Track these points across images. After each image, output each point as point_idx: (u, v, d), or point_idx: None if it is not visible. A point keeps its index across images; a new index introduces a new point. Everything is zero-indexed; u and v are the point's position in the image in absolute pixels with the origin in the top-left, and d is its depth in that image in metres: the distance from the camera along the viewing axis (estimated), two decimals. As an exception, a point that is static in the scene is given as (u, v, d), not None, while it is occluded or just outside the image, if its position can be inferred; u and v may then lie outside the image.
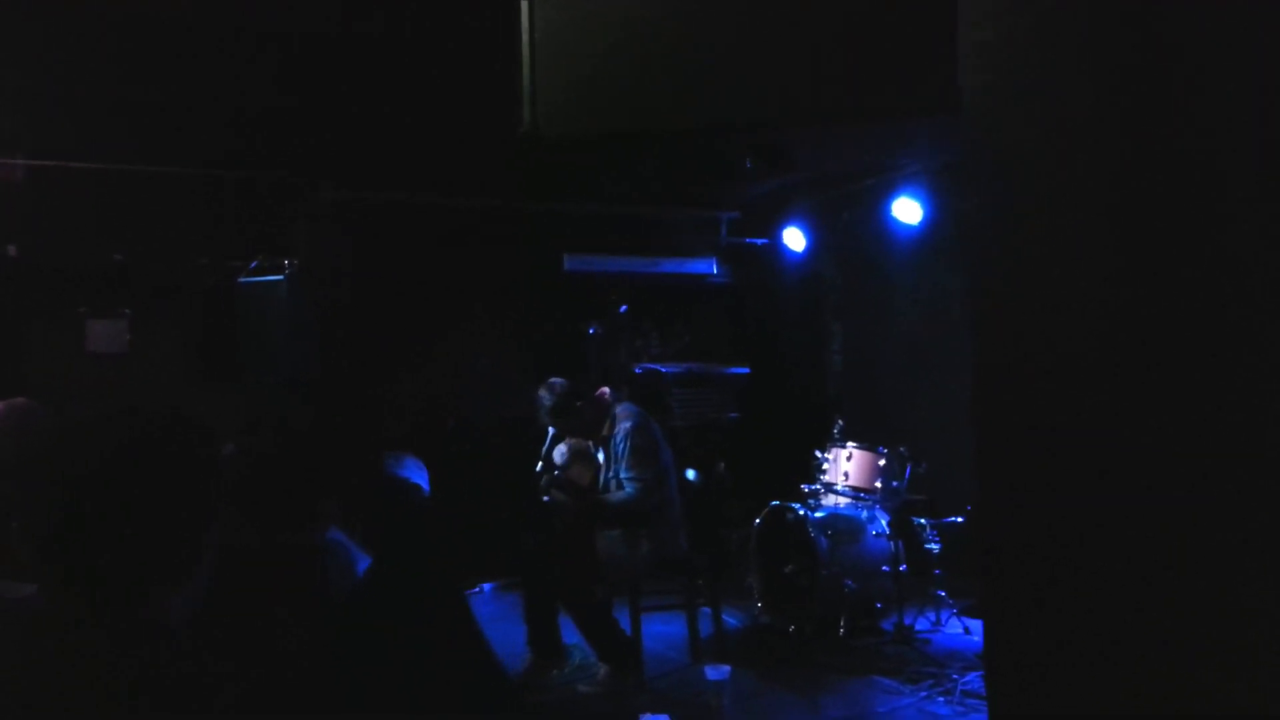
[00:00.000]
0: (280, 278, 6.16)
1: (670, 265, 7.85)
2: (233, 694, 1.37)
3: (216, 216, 6.55)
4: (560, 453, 5.16)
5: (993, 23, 1.53)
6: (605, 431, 5.06)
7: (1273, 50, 1.28)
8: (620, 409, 5.10)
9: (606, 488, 5.02)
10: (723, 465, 5.84)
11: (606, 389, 5.28)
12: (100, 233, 6.38)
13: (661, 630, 5.33)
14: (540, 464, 5.18)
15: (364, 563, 2.78)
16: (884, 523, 5.59)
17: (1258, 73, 1.30)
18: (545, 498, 5.10)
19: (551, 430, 5.17)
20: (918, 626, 5.41)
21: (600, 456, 5.11)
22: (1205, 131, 1.34)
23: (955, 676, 4.68)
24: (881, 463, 5.62)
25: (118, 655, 1.33)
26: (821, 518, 5.53)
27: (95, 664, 1.32)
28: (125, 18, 4.26)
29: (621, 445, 4.94)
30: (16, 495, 1.47)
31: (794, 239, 7.63)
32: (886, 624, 5.43)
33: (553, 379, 5.12)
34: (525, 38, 2.02)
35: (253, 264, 6.30)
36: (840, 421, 6.03)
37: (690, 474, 5.61)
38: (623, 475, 4.93)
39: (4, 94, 5.09)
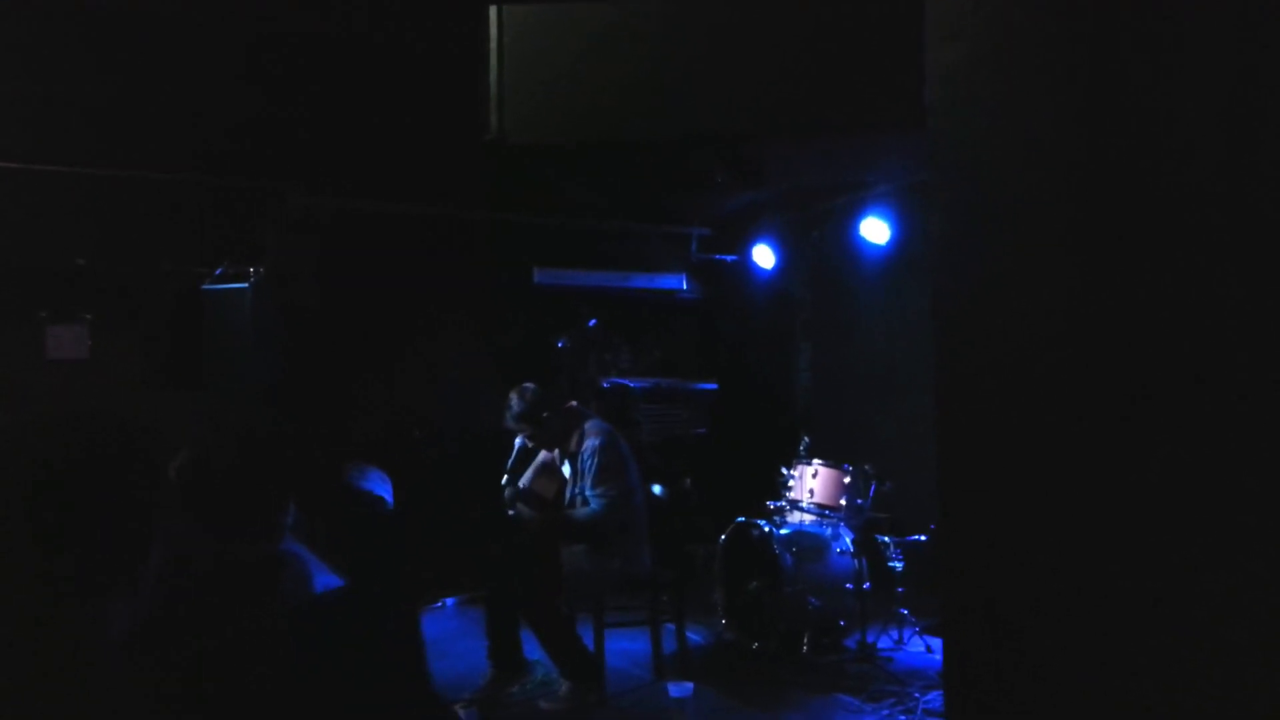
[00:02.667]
0: (245, 285, 6.10)
1: (640, 280, 7.86)
2: (172, 705, 1.34)
3: (181, 221, 6.46)
4: (529, 471, 5.14)
5: (957, 42, 1.54)
6: (573, 447, 5.03)
7: (1231, 66, 1.30)
8: (589, 425, 5.07)
9: (572, 503, 4.99)
10: (689, 481, 5.83)
11: (576, 403, 5.26)
12: (62, 236, 6.28)
13: (625, 646, 5.30)
14: (506, 477, 5.14)
15: (321, 575, 2.74)
16: (848, 540, 5.60)
17: (1217, 87, 1.32)
18: (510, 512, 5.06)
19: (518, 442, 5.13)
20: (880, 644, 5.41)
21: (567, 470, 5.08)
22: (1166, 147, 1.36)
23: (917, 695, 4.68)
24: (847, 480, 5.63)
25: (58, 667, 1.30)
26: (786, 534, 5.53)
27: (35, 677, 1.29)
28: (92, 18, 4.21)
29: (589, 462, 4.91)
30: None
31: (764, 256, 7.67)
32: (850, 641, 5.43)
33: (525, 384, 5.09)
34: (493, 44, 2.01)
35: (218, 270, 6.23)
36: (807, 439, 6.04)
37: (656, 489, 5.60)
38: (589, 492, 4.90)
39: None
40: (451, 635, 5.75)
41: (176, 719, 1.34)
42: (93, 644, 1.33)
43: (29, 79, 4.88)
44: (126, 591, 1.40)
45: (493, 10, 2.07)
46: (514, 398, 5.02)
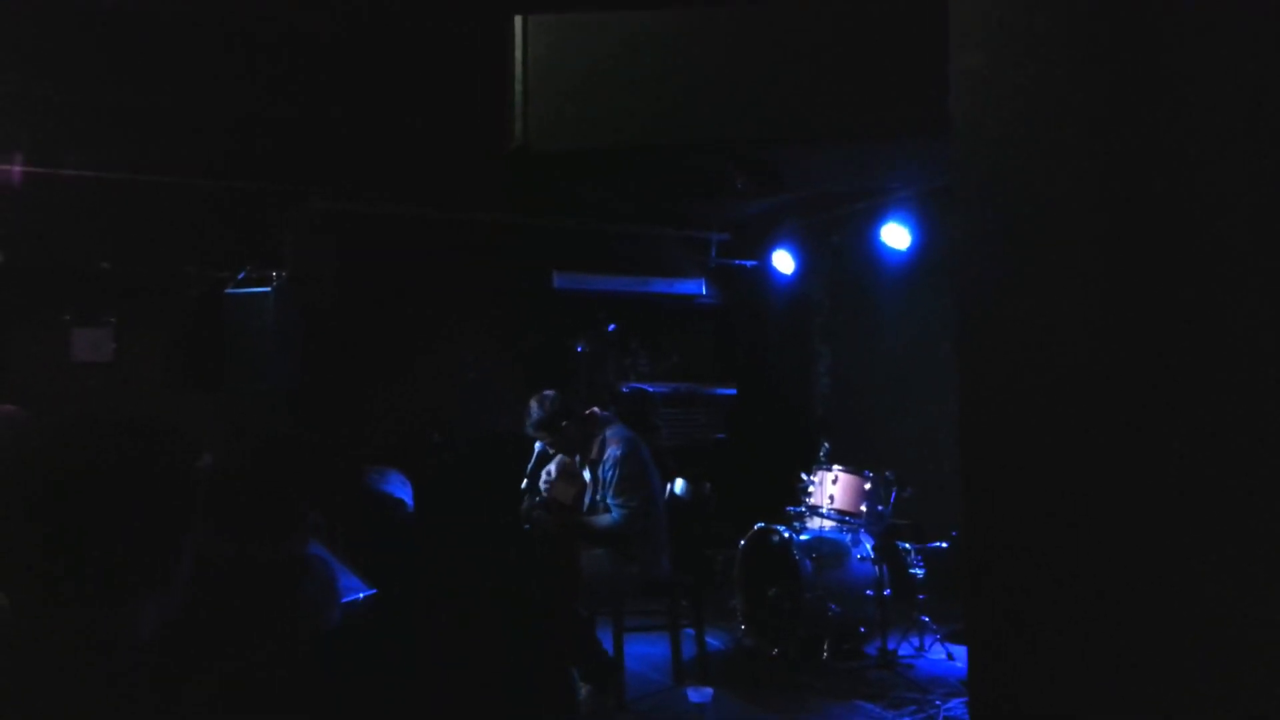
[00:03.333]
0: (268, 289, 6.14)
1: (659, 285, 7.86)
2: (202, 706, 1.35)
3: (205, 225, 6.52)
4: (547, 472, 5.14)
5: (982, 49, 1.53)
6: (594, 454, 5.03)
7: (1255, 72, 1.29)
8: (610, 432, 5.06)
9: (593, 509, 4.99)
10: (708, 486, 5.82)
11: (597, 409, 5.25)
12: (87, 240, 6.35)
13: (644, 651, 5.30)
14: (525, 480, 5.15)
15: (344, 578, 2.75)
16: (869, 547, 5.57)
17: (1240, 93, 1.31)
18: (526, 526, 5.06)
19: (538, 446, 5.14)
20: (901, 652, 5.39)
21: (587, 475, 5.07)
22: (1194, 156, 1.35)
23: (938, 703, 4.66)
24: (867, 486, 5.61)
25: (91, 665, 1.31)
26: (806, 540, 5.51)
27: (68, 675, 1.30)
28: (115, 24, 4.25)
29: (610, 472, 4.90)
30: (-7, 500, 1.45)
31: (783, 261, 7.65)
32: (870, 648, 5.41)
33: (545, 391, 5.09)
34: (518, 54, 2.02)
35: (240, 274, 6.28)
36: (826, 444, 6.02)
37: (680, 485, 5.58)
38: (610, 501, 4.90)
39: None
40: (470, 639, 5.76)
41: (201, 713, 1.35)
42: (122, 644, 1.34)
43: (54, 85, 4.94)
44: (155, 592, 1.41)
45: (518, 20, 2.08)
46: (533, 405, 5.01)
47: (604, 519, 4.90)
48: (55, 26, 4.29)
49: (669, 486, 5.64)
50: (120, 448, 1.41)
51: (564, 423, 5.00)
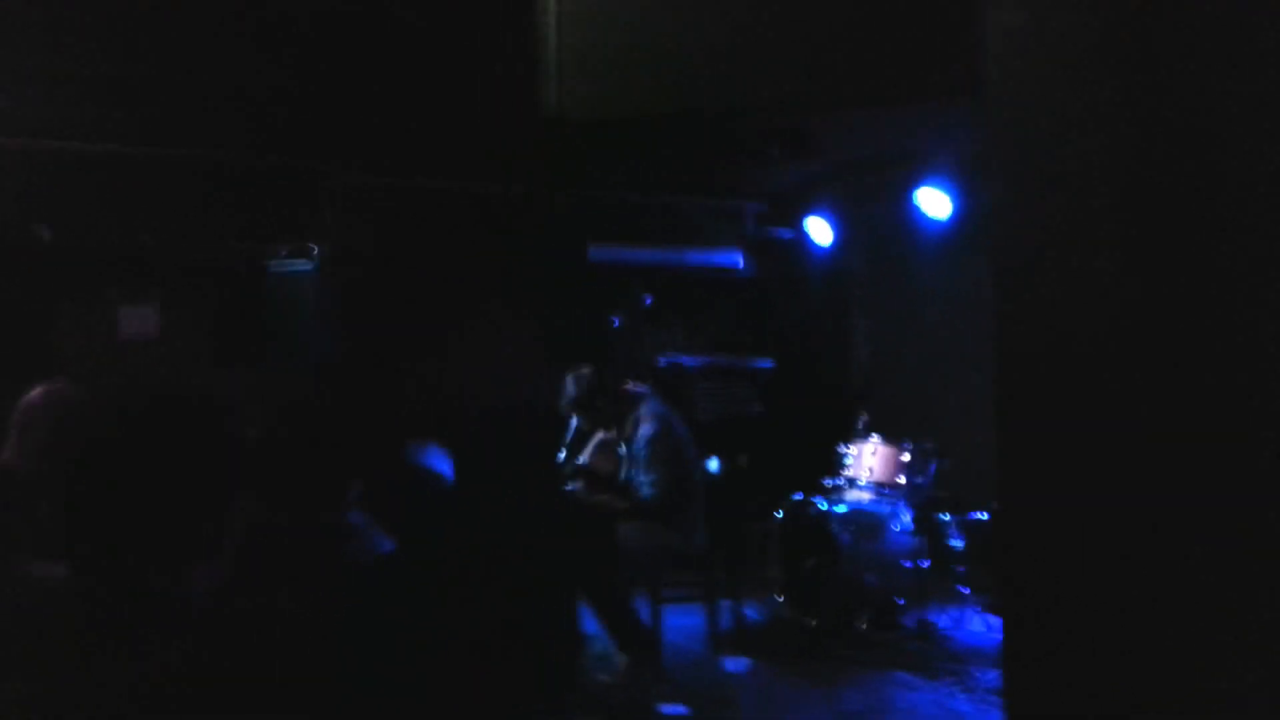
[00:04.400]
0: (308, 265, 6.20)
1: (695, 257, 7.82)
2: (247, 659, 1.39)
3: (246, 202, 6.58)
4: (591, 446, 5.18)
5: (1017, 8, 1.50)
6: (628, 431, 5.05)
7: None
8: (644, 409, 5.08)
9: (628, 485, 5.02)
10: (745, 458, 5.82)
11: (631, 384, 5.26)
12: (131, 218, 6.43)
13: (681, 622, 5.33)
14: (564, 453, 5.19)
15: (386, 546, 2.80)
16: (907, 518, 5.55)
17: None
18: (569, 485, 5.11)
19: (575, 420, 5.17)
20: (940, 623, 5.38)
21: (623, 450, 5.11)
22: (1229, 120, 1.32)
23: (977, 673, 4.65)
24: (905, 458, 5.59)
25: (145, 626, 1.36)
26: (844, 513, 5.51)
27: (124, 635, 1.35)
28: (155, 1, 4.28)
29: (642, 450, 4.94)
30: (45, 475, 1.50)
31: (820, 231, 7.58)
32: (908, 620, 5.40)
33: (581, 368, 5.11)
34: (551, 25, 2.01)
35: (281, 250, 6.34)
36: (865, 416, 5.99)
37: (713, 463, 5.60)
38: (641, 477, 4.93)
39: (35, 77, 5.14)
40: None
41: (249, 672, 1.39)
42: (178, 602, 1.39)
43: (97, 60, 4.99)
44: (208, 555, 1.45)
45: (550, -9, 2.08)
46: (569, 381, 5.04)
47: (635, 497, 4.93)
48: (94, 2, 4.34)
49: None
50: (171, 422, 1.44)
51: (598, 400, 5.02)
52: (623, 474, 5.06)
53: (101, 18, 4.43)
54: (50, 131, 6.04)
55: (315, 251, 6.27)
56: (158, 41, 4.78)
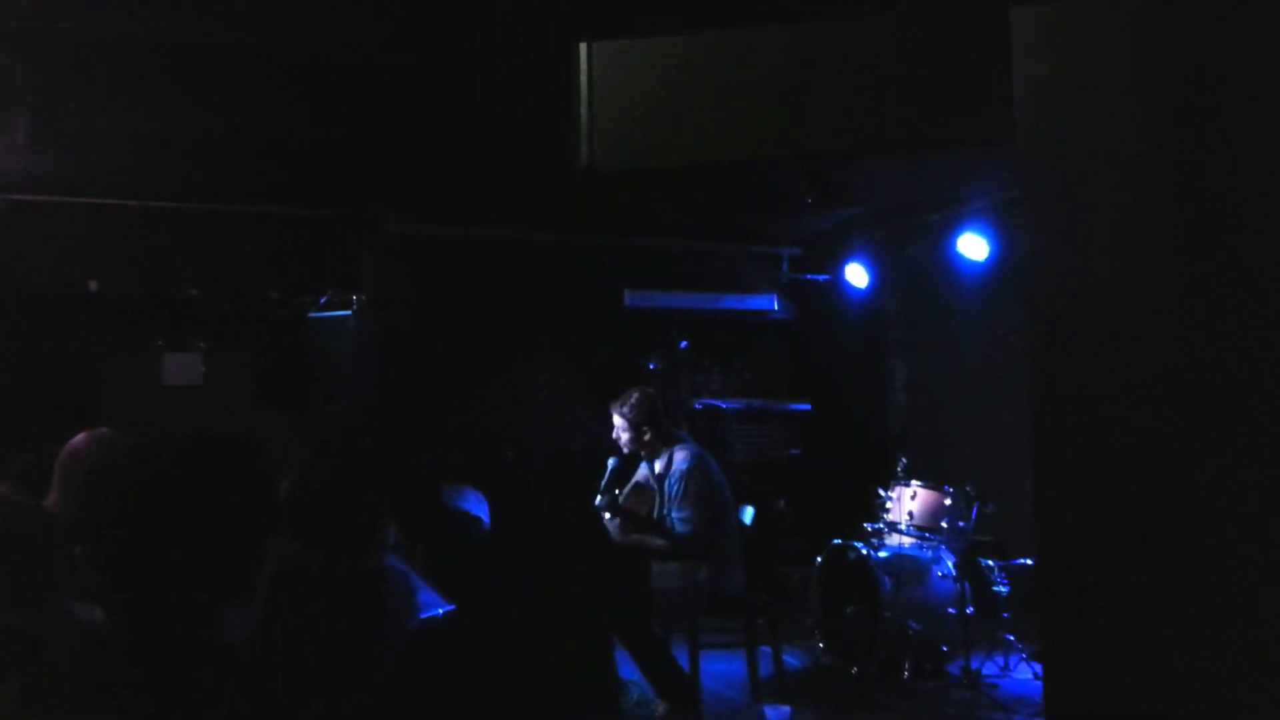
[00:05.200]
0: (348, 313, 6.30)
1: (731, 301, 7.85)
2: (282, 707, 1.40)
3: (287, 252, 6.73)
4: (624, 491, 5.19)
5: (1044, 57, 1.52)
6: (661, 469, 5.05)
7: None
8: (679, 447, 5.08)
9: (661, 524, 5.01)
10: (783, 502, 5.78)
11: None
12: (175, 268, 6.60)
13: (721, 669, 5.27)
14: (600, 497, 5.19)
15: (424, 591, 2.81)
16: (950, 564, 5.47)
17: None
18: (605, 517, 5.10)
19: (611, 463, 5.17)
20: (985, 671, 5.26)
21: (655, 487, 5.11)
22: (1260, 161, 1.31)
23: (1023, 723, 4.54)
24: (947, 502, 5.51)
25: (180, 670, 1.37)
26: (885, 558, 5.43)
27: (159, 680, 1.36)
28: (196, 55, 4.42)
29: (676, 486, 4.92)
30: (80, 518, 1.52)
31: (856, 275, 7.58)
32: (953, 668, 5.30)
33: (649, 388, 5.15)
34: (583, 75, 2.05)
35: (322, 299, 6.46)
36: (904, 459, 5.94)
37: (747, 513, 5.57)
38: (674, 515, 4.91)
39: (82, 136, 5.31)
40: (548, 655, 5.80)
41: (285, 718, 1.39)
42: (209, 651, 1.40)
43: (144, 118, 5.14)
44: (242, 599, 1.47)
45: (583, 46, 2.12)
46: (635, 395, 5.04)
47: (669, 534, 4.91)
48: (143, 63, 4.48)
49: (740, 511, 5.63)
50: (206, 465, 1.47)
51: (646, 428, 5.02)
52: (656, 513, 5.05)
53: (144, 76, 4.58)
54: (97, 188, 6.24)
55: (355, 299, 6.38)
56: (202, 98, 4.92)
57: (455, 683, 2.42)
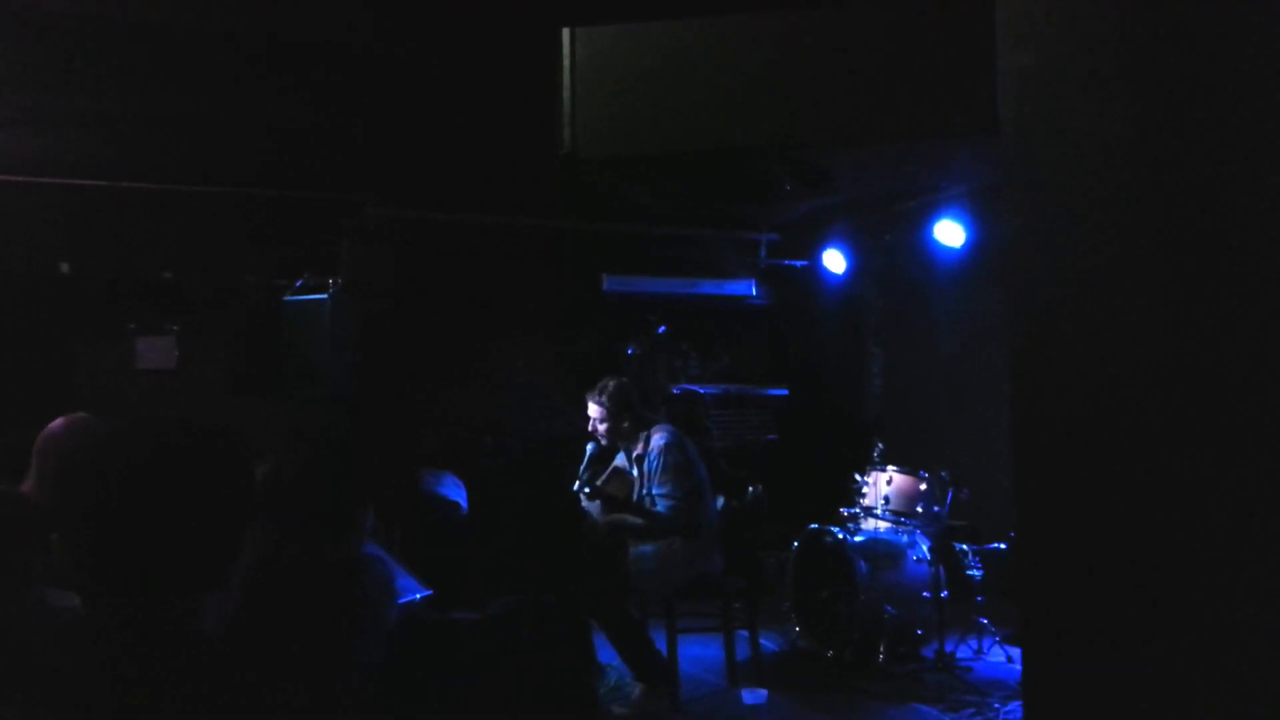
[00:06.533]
0: (324, 296, 6.25)
1: (709, 287, 7.85)
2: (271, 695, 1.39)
3: (262, 234, 6.67)
4: (604, 476, 5.20)
5: (1030, 47, 1.52)
6: (638, 450, 5.07)
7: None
8: (655, 429, 5.11)
9: (640, 504, 5.03)
10: (759, 487, 5.80)
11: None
12: (149, 250, 6.52)
13: (698, 653, 5.30)
14: (578, 483, 5.19)
15: (402, 578, 2.80)
16: (925, 548, 5.52)
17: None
18: (583, 502, 5.11)
19: (590, 448, 5.18)
20: (959, 654, 5.32)
21: (634, 473, 5.12)
22: (1242, 153, 1.32)
23: (997, 705, 4.60)
24: (923, 487, 5.56)
25: (157, 658, 1.36)
26: (861, 542, 5.48)
27: (135, 667, 1.35)
28: (172, 37, 4.36)
29: (655, 462, 4.94)
30: (58, 505, 1.51)
31: (834, 261, 7.60)
32: (927, 651, 5.35)
33: (624, 378, 5.15)
34: (565, 62, 2.04)
35: (299, 282, 6.40)
36: (880, 445, 5.97)
37: (718, 502, 5.61)
38: (655, 492, 4.93)
39: (54, 115, 5.23)
40: (525, 640, 5.81)
41: (263, 706, 1.39)
42: (185, 637, 1.39)
43: (119, 99, 5.07)
44: (219, 586, 1.46)
45: (565, 31, 2.11)
46: (611, 383, 5.04)
47: (649, 512, 4.93)
48: (116, 42, 4.42)
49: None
50: (182, 451, 1.46)
51: (623, 415, 5.03)
52: (635, 495, 5.07)
53: (121, 58, 4.51)
54: (69, 168, 6.15)
55: (332, 283, 6.33)
56: (178, 78, 4.86)
57: (434, 667, 2.42)
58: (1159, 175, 1.43)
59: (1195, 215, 1.40)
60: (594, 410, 5.07)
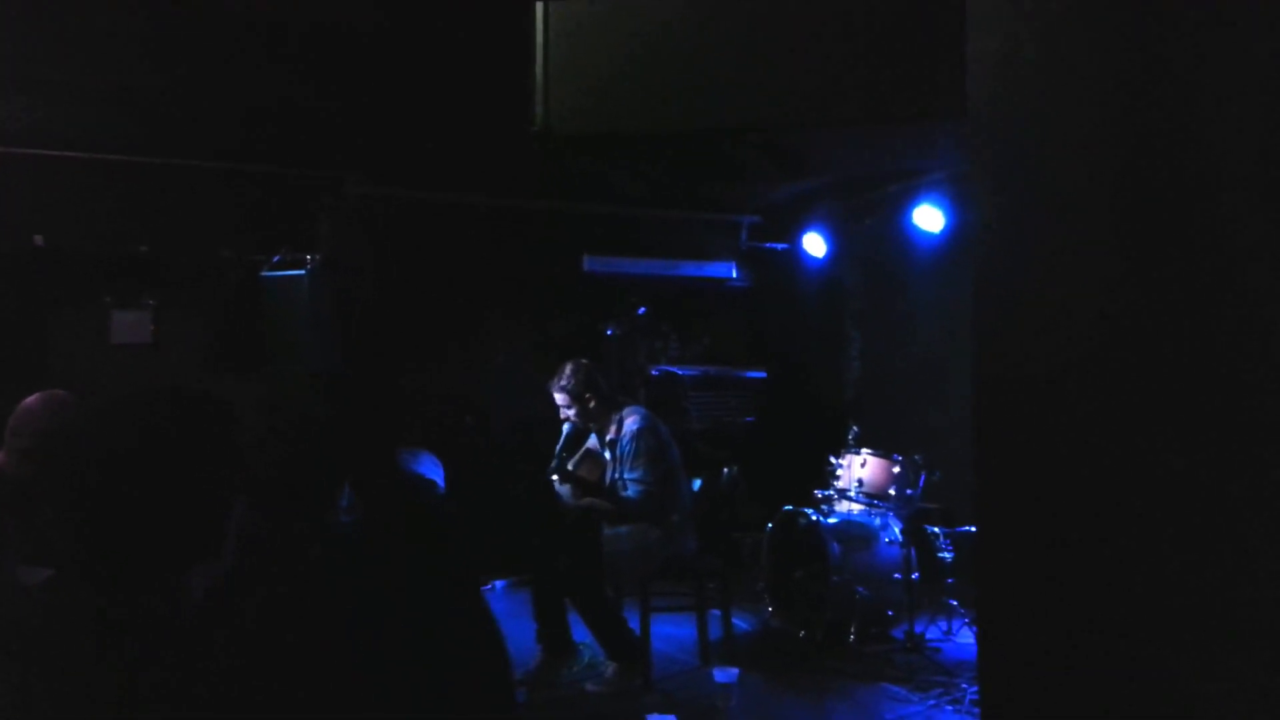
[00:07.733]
0: (302, 272, 6.22)
1: (690, 268, 7.86)
2: (248, 672, 1.40)
3: (241, 209, 6.62)
4: (575, 458, 5.21)
5: (998, 30, 1.53)
6: (611, 434, 5.09)
7: (1273, 59, 1.28)
8: (627, 411, 5.13)
9: (613, 487, 5.05)
10: (735, 469, 5.84)
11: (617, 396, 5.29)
12: (125, 224, 6.46)
13: (671, 632, 5.34)
14: (555, 461, 5.21)
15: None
16: (897, 530, 5.57)
17: (1264, 77, 1.30)
18: (556, 483, 5.13)
19: (566, 428, 5.20)
20: (929, 635, 5.39)
21: (607, 456, 5.14)
22: (1207, 140, 1.34)
23: (965, 685, 4.66)
24: (896, 470, 5.61)
25: (145, 634, 1.36)
26: (834, 524, 5.52)
27: (122, 644, 1.35)
28: (154, 10, 4.32)
29: (627, 447, 4.97)
30: (44, 480, 1.51)
31: (814, 244, 7.62)
32: (897, 631, 5.42)
33: (582, 359, 5.16)
34: (539, 37, 2.04)
35: (275, 258, 6.36)
36: (855, 428, 6.02)
37: (695, 483, 5.64)
38: (626, 476, 4.96)
39: (31, 85, 5.17)
40: (500, 618, 5.83)
41: (246, 679, 1.40)
42: (176, 607, 1.39)
43: (95, 71, 5.01)
44: (203, 561, 1.46)
45: (539, 6, 2.10)
46: (567, 368, 5.07)
47: (620, 495, 4.96)
48: (94, 13, 4.37)
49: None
50: (167, 421, 1.45)
51: (589, 395, 5.05)
52: (608, 479, 5.10)
53: (100, 28, 4.46)
54: (44, 139, 6.08)
55: (311, 259, 6.30)
56: (157, 52, 4.81)
57: (406, 644, 2.43)
58: (1126, 162, 1.45)
59: (1159, 200, 1.41)
60: (559, 398, 5.11)
